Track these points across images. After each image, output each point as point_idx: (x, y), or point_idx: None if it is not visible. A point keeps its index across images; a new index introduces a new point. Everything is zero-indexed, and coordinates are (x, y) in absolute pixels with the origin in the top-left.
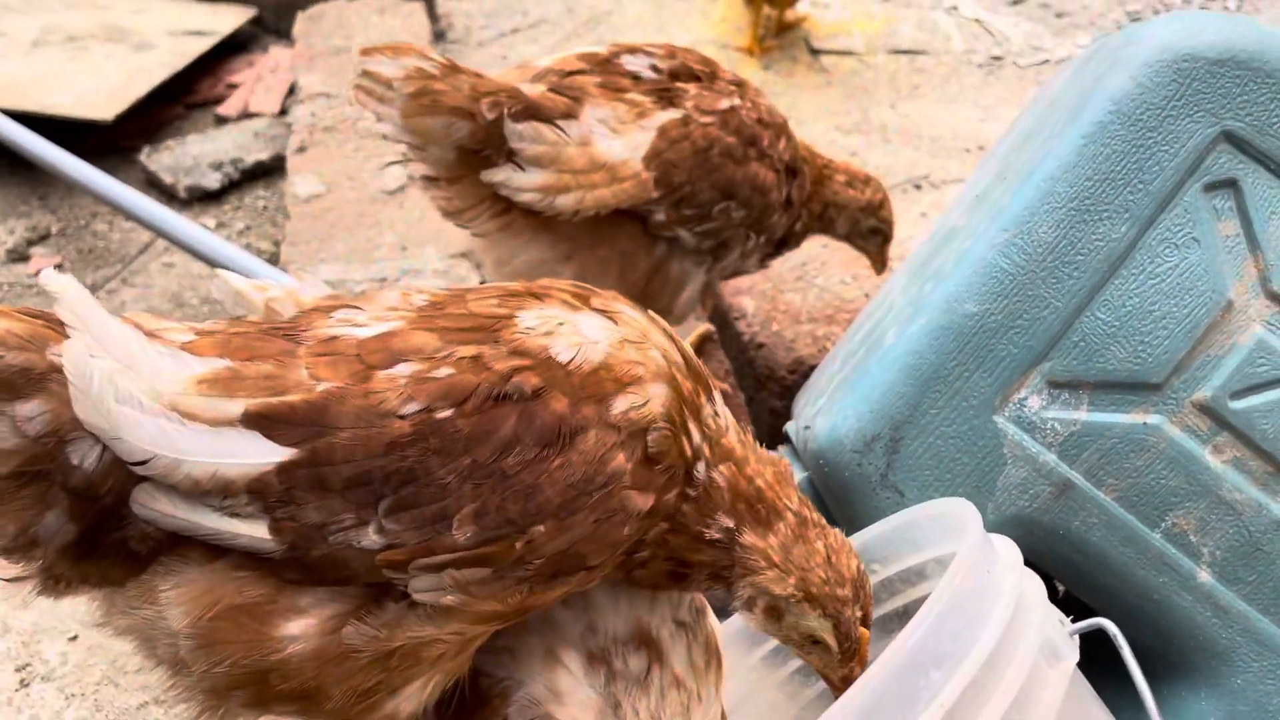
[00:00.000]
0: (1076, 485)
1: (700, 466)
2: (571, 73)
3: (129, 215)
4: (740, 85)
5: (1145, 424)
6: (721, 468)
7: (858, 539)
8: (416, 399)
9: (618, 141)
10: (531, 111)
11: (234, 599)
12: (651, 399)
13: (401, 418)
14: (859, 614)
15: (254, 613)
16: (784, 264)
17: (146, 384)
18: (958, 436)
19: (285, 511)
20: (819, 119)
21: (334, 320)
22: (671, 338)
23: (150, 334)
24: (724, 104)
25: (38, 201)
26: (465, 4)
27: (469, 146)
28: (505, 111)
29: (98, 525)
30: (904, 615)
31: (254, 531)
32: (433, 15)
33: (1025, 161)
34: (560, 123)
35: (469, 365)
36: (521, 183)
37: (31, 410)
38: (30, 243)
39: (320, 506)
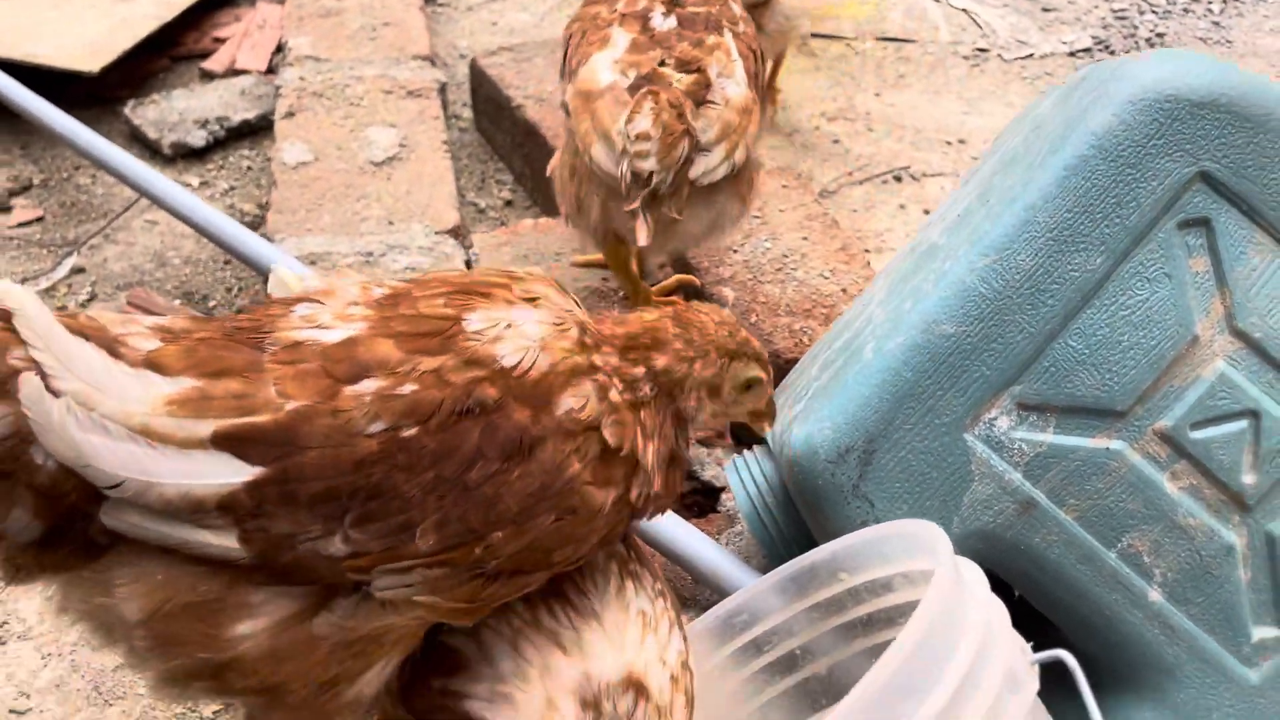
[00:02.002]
0: (1039, 504)
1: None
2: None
3: (112, 172)
4: None
5: (1108, 449)
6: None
7: (828, 548)
8: (383, 418)
9: (731, 82)
10: (695, 99)
11: (187, 596)
12: (590, 396)
13: (369, 436)
14: (753, 336)
15: (203, 612)
16: (765, 256)
17: (115, 406)
18: (928, 452)
19: (255, 524)
20: (804, 104)
21: (297, 319)
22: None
23: (115, 339)
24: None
25: (19, 151)
26: None
27: (687, 155)
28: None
29: (63, 522)
30: (867, 623)
31: (224, 541)
32: None
33: (1008, 187)
34: (709, 97)
35: (432, 380)
36: (712, 163)
37: None
38: (12, 193)
39: (288, 519)
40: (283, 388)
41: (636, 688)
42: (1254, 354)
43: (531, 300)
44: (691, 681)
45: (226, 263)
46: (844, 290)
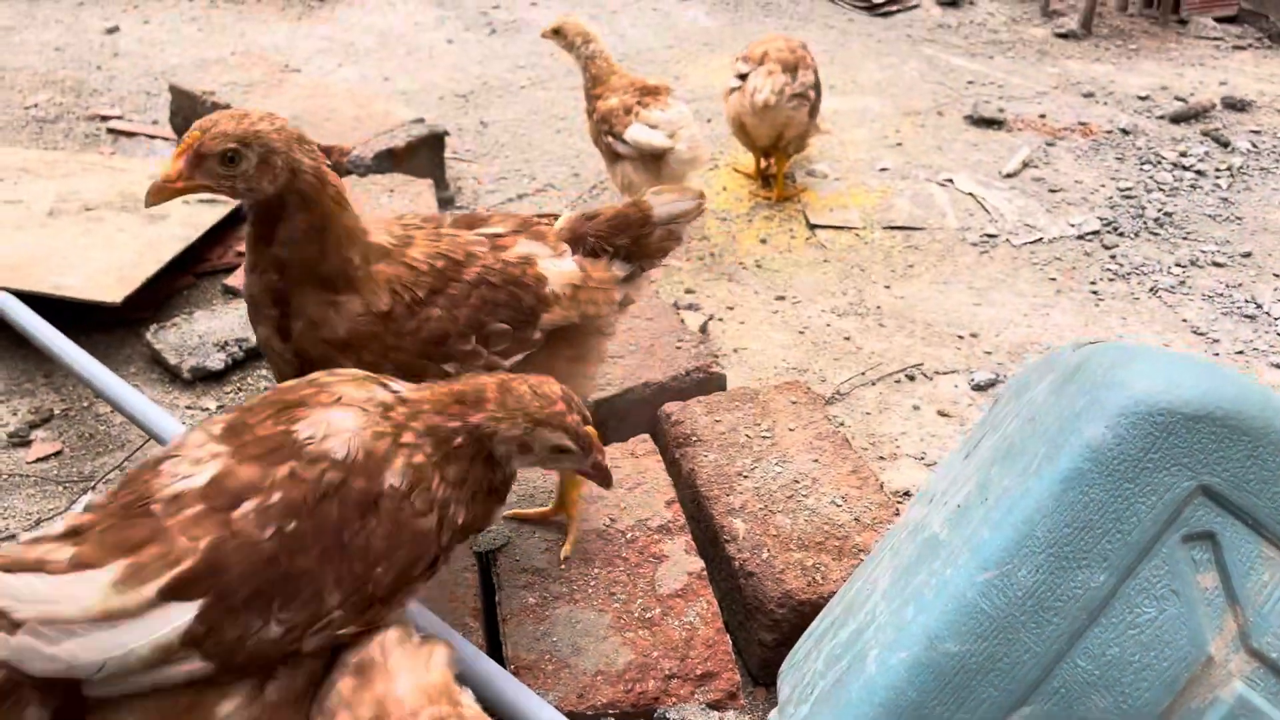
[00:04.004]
0: None
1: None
2: None
3: (124, 413)
4: None
5: None
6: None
7: None
8: (270, 524)
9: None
10: None
11: (182, 715)
12: (403, 470)
13: (266, 540)
14: (578, 417)
15: (196, 713)
16: (775, 482)
17: (74, 609)
18: None
19: (210, 641)
20: (815, 298)
21: (166, 475)
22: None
23: (37, 562)
24: None
25: (42, 379)
26: (474, 168)
27: None
28: None
29: (64, 703)
30: None
31: (193, 666)
32: (441, 184)
33: (1006, 489)
34: None
35: (291, 483)
36: None
37: None
38: (33, 425)
39: (233, 626)
40: (188, 534)
41: None
42: (1272, 675)
43: (337, 400)
44: None
45: None
46: (857, 519)
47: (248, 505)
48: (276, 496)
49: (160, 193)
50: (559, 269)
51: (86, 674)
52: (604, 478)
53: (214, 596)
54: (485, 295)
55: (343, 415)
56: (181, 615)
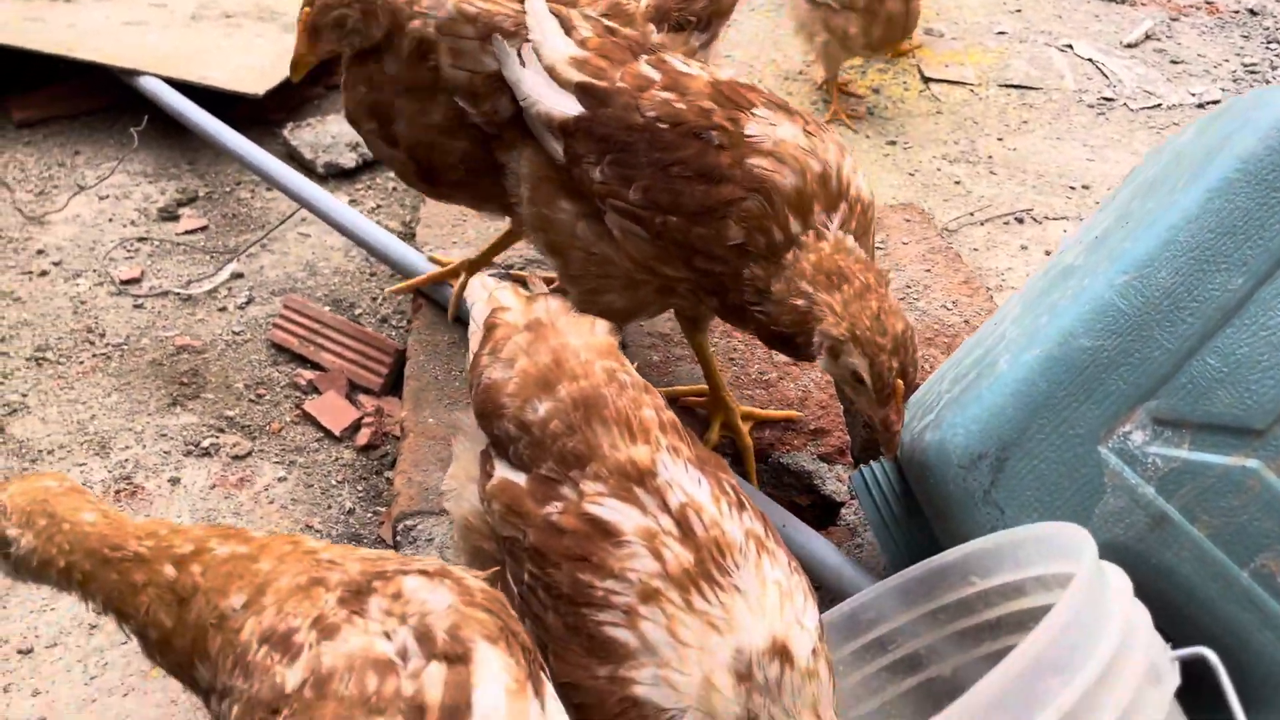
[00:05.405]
0: (1172, 519)
1: (791, 251)
2: None
3: (276, 185)
4: None
5: (1244, 467)
6: (810, 255)
7: (958, 551)
8: (655, 111)
9: None
10: None
11: (545, 174)
12: (777, 176)
13: (641, 116)
14: (895, 364)
15: (549, 188)
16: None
17: (548, 54)
18: (1061, 462)
19: (569, 141)
20: (926, 145)
21: (671, 57)
22: (841, 166)
23: (571, 25)
24: None
25: (187, 166)
26: None
27: None
28: None
29: (519, 112)
30: (995, 627)
31: (555, 149)
32: None
33: (1148, 210)
34: None
35: (697, 112)
36: None
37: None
38: (180, 204)
39: (583, 145)
40: (621, 76)
41: (781, 653)
42: None
43: (809, 129)
44: (829, 652)
45: (371, 274)
46: (966, 322)
47: (660, 93)
48: (681, 106)
49: (298, 68)
50: None
51: (516, 92)
52: (888, 438)
53: (590, 115)
54: None
55: (794, 132)
56: (571, 107)
